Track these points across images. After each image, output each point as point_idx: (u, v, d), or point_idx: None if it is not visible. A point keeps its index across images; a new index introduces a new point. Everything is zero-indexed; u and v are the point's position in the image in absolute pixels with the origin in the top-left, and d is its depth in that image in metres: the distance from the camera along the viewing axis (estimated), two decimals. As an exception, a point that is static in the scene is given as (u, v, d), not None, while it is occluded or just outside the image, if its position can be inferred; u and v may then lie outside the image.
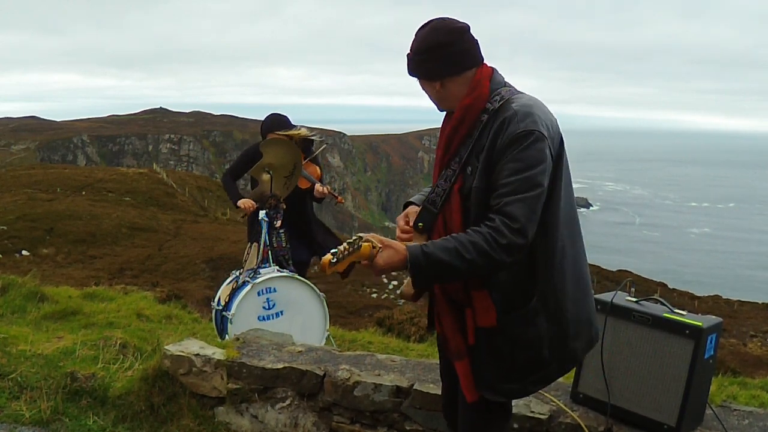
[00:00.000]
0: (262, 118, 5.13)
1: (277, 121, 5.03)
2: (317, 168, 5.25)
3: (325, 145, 5.35)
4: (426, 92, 2.24)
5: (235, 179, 5.24)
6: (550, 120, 2.10)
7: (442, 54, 2.12)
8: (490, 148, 2.06)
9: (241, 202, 4.99)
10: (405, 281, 2.25)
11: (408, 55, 2.19)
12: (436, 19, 2.16)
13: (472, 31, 2.16)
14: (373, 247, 2.02)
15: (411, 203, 2.40)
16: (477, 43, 2.17)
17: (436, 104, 2.27)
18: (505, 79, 2.21)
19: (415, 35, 2.16)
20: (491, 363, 2.18)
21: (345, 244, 1.99)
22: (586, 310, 2.23)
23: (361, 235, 2.03)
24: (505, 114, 2.06)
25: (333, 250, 1.97)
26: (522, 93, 2.16)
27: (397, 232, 2.35)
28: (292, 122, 5.11)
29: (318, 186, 5.05)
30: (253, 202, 4.96)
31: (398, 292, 2.29)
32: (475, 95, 2.13)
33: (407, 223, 2.32)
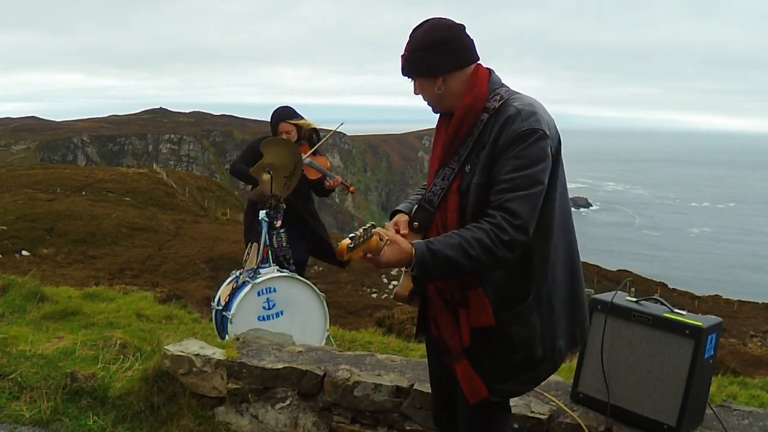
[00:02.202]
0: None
1: (286, 112, 5.12)
2: (326, 160, 5.27)
3: (342, 124, 5.33)
4: (423, 92, 2.21)
5: None
6: (551, 120, 2.13)
7: (445, 49, 2.11)
8: (492, 145, 2.06)
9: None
10: (400, 282, 2.22)
11: (404, 56, 2.17)
12: (432, 18, 2.16)
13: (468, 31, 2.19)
14: (381, 240, 1.97)
15: (399, 211, 2.37)
16: (473, 42, 2.18)
17: (433, 104, 2.24)
18: (503, 81, 2.21)
19: (412, 35, 2.15)
20: (487, 363, 2.17)
21: (361, 229, 1.93)
22: (575, 310, 2.25)
23: (373, 223, 1.99)
24: (508, 112, 2.06)
25: (351, 235, 1.90)
26: (520, 93, 2.17)
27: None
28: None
29: (330, 178, 5.06)
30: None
31: (393, 294, 2.25)
32: (474, 94, 2.13)
33: (397, 231, 2.25)
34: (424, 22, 2.17)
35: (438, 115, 2.33)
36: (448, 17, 2.18)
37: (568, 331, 2.23)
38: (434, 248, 1.96)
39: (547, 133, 2.05)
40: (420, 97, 2.24)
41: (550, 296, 2.16)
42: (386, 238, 1.99)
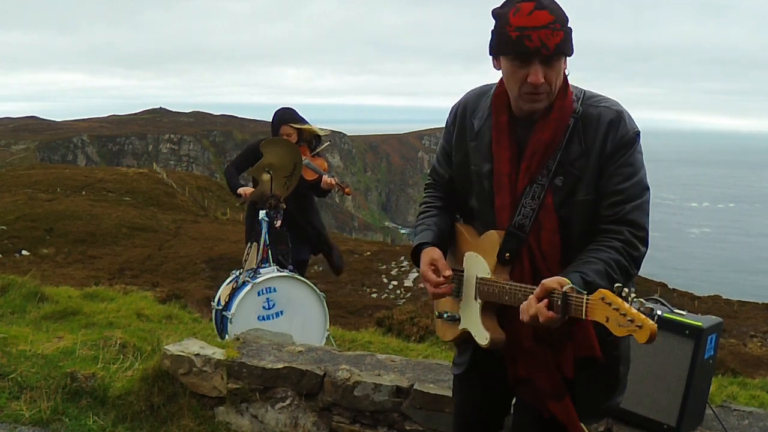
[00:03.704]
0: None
1: (288, 114, 5.15)
2: (324, 161, 5.31)
3: (329, 142, 5.38)
4: (557, 77, 1.86)
5: (239, 172, 5.31)
6: None
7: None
8: (599, 154, 1.87)
9: (241, 190, 5.06)
10: (485, 325, 1.99)
11: (561, 29, 1.81)
12: None
13: None
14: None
15: (425, 245, 2.09)
16: None
17: (546, 95, 1.87)
18: None
19: (549, 5, 1.81)
20: (596, 387, 2.02)
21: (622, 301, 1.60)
22: None
23: (572, 287, 1.70)
24: (607, 116, 1.89)
25: (658, 315, 1.59)
26: (579, 87, 1.99)
27: (429, 288, 2.04)
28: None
29: (325, 177, 5.09)
30: (251, 189, 5.03)
31: (488, 341, 1.99)
32: (569, 93, 1.92)
33: (435, 270, 2.03)
34: None
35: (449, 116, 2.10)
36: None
37: None
38: (590, 280, 1.76)
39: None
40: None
41: None
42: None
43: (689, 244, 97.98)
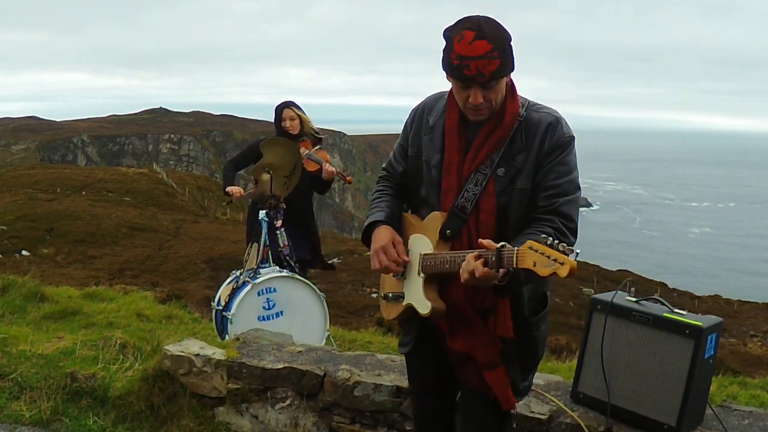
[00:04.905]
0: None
1: (291, 101, 5.19)
2: (326, 153, 5.31)
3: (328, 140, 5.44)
4: (496, 95, 2.08)
5: (237, 169, 5.32)
6: None
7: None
8: (537, 151, 2.11)
9: (230, 189, 5.07)
10: (427, 296, 2.18)
11: (497, 55, 1.99)
12: (475, 16, 2.04)
13: None
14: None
15: (379, 223, 2.31)
16: None
17: (493, 109, 2.11)
18: None
19: (487, 32, 1.98)
20: (517, 365, 2.23)
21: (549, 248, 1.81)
22: None
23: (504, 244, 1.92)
24: (546, 120, 2.13)
25: (577, 252, 1.80)
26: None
27: (383, 259, 2.23)
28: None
29: (327, 166, 5.07)
30: (241, 189, 5.06)
31: (429, 310, 2.18)
32: (517, 99, 2.15)
33: (395, 247, 2.25)
34: (476, 18, 2.02)
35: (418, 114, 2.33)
36: (457, 17, 2.10)
37: None
38: None
39: None
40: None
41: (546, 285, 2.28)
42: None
43: (689, 244, 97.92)
